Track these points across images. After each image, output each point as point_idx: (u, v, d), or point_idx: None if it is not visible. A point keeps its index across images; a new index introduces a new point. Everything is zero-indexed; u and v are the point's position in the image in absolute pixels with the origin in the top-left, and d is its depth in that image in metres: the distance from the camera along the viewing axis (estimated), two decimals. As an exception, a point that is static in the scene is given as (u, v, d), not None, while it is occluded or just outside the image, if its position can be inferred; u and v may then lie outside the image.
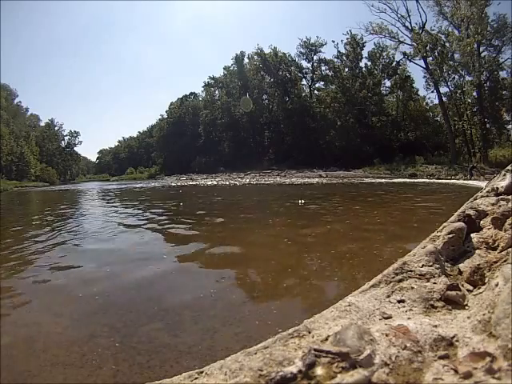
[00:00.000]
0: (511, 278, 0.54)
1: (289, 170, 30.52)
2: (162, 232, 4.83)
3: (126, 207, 8.89)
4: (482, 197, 1.05)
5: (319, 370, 0.46)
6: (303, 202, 8.11)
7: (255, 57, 41.04)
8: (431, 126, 34.46)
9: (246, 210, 7.63)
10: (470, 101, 29.44)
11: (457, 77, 29.36)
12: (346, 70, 37.48)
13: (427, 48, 28.48)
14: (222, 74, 44.34)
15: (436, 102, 32.42)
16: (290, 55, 40.06)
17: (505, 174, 1.12)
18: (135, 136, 72.33)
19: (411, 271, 0.71)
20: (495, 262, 0.68)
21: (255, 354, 0.51)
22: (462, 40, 26.15)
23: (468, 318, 0.55)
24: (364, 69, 36.59)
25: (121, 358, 1.53)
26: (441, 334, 0.52)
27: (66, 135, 60.40)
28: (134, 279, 2.71)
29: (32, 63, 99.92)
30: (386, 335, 0.51)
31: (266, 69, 39.91)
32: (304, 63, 40.31)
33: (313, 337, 0.54)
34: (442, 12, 27.79)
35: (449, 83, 29.73)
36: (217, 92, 45.91)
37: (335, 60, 37.96)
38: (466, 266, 0.73)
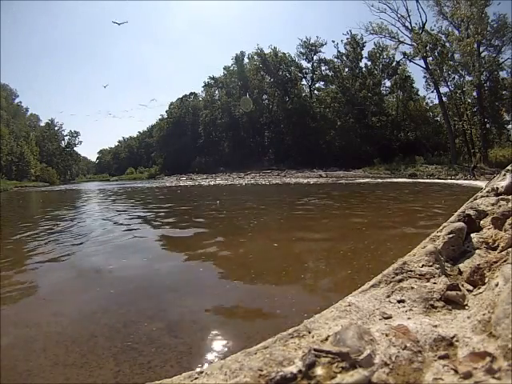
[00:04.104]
0: (511, 278, 0.54)
1: (289, 170, 30.51)
2: (163, 234, 4.83)
3: (129, 208, 8.90)
4: (482, 197, 1.05)
5: (319, 370, 0.46)
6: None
7: (255, 57, 41.02)
8: (431, 126, 34.43)
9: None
10: (469, 101, 29.42)
11: (457, 77, 29.35)
12: (346, 69, 37.47)
13: (427, 48, 28.44)
14: (222, 74, 44.40)
15: (436, 101, 32.42)
16: (289, 55, 40.09)
17: (505, 174, 1.12)
18: (135, 136, 72.38)
19: (411, 271, 0.71)
20: (495, 262, 0.68)
21: (255, 354, 0.51)
22: (462, 40, 26.12)
23: (468, 317, 0.55)
24: (364, 69, 36.58)
25: (121, 359, 1.53)
26: (441, 333, 0.52)
27: (66, 135, 60.41)
28: (134, 279, 2.71)
29: (32, 63, 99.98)
30: (386, 335, 0.51)
31: (266, 69, 39.90)
32: (304, 63, 40.35)
33: (313, 337, 0.54)
34: (442, 12, 27.76)
35: (449, 83, 29.72)
36: (217, 92, 45.90)
37: (335, 60, 37.99)
38: (466, 266, 0.73)
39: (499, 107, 28.08)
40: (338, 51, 37.38)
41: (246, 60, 42.32)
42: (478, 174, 19.18)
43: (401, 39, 30.45)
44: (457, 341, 0.50)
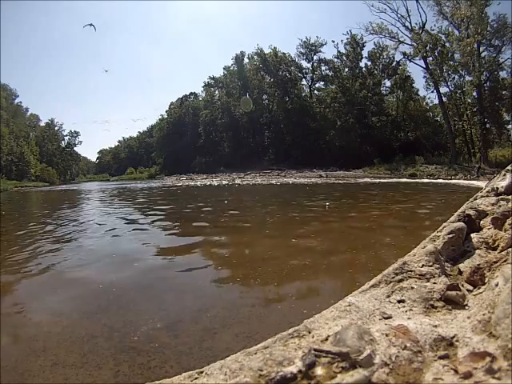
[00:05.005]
0: (511, 278, 0.54)
1: (289, 169, 30.52)
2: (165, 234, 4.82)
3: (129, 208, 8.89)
4: (482, 197, 1.04)
5: (319, 370, 0.46)
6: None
7: (255, 57, 41.04)
8: (431, 126, 34.42)
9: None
10: (469, 101, 29.41)
11: (457, 77, 29.36)
12: (346, 70, 37.48)
13: (427, 48, 28.44)
14: (222, 74, 44.41)
15: (436, 102, 32.42)
16: (289, 55, 40.12)
17: (505, 174, 1.12)
18: (135, 136, 72.40)
19: (411, 271, 0.71)
20: (495, 262, 0.68)
21: (255, 353, 0.51)
22: (462, 40, 26.12)
23: (468, 317, 0.55)
24: (364, 69, 36.57)
25: (121, 359, 1.53)
26: (441, 333, 0.52)
27: (66, 135, 60.37)
28: (134, 278, 2.71)
29: (32, 63, 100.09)
30: (386, 335, 0.51)
31: (266, 69, 39.89)
32: (304, 63, 40.38)
33: (313, 337, 0.53)
34: (442, 12, 27.75)
35: (449, 83, 29.74)
36: (217, 92, 45.91)
37: (335, 60, 38.00)
38: (466, 265, 0.73)
39: (499, 107, 28.06)
40: (338, 51, 37.44)
41: (246, 60, 42.39)
42: (481, 173, 19.14)
43: (401, 39, 30.49)
44: (457, 341, 0.50)
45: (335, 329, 0.54)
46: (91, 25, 27.55)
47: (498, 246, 0.76)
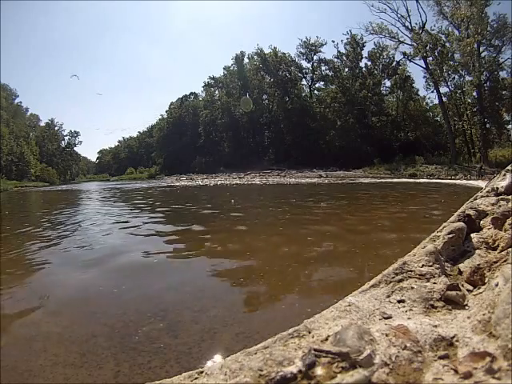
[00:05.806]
0: (511, 278, 0.54)
1: (289, 169, 30.51)
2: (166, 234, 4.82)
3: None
4: (482, 197, 1.05)
5: (319, 370, 0.46)
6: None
7: (255, 57, 41.03)
8: (431, 126, 34.41)
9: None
10: (469, 101, 29.40)
11: (457, 77, 29.37)
12: (346, 70, 37.47)
13: (427, 48, 28.44)
14: (222, 73, 44.41)
15: (436, 102, 32.41)
16: (289, 55, 40.12)
17: (505, 174, 1.12)
18: (135, 136, 72.39)
19: (411, 271, 0.71)
20: (495, 262, 0.68)
21: (255, 354, 0.51)
22: (462, 40, 26.11)
23: (468, 317, 0.55)
24: (364, 69, 36.56)
25: (121, 359, 1.53)
26: (441, 333, 0.52)
27: (66, 135, 60.38)
28: (134, 279, 2.71)
29: (32, 63, 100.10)
30: (386, 335, 0.51)
31: (266, 69, 39.88)
32: (304, 63, 40.38)
33: (313, 337, 0.53)
34: (442, 12, 27.74)
35: (449, 83, 29.74)
36: (217, 92, 45.91)
37: (335, 60, 38.00)
38: (466, 265, 0.73)
39: (499, 107, 28.03)
40: (338, 51, 37.43)
41: (246, 60, 42.37)
42: (482, 174, 19.10)
43: (401, 39, 30.49)
44: (457, 341, 0.50)
45: (335, 329, 0.54)
46: (75, 75, 28.10)
47: (497, 246, 0.76)
